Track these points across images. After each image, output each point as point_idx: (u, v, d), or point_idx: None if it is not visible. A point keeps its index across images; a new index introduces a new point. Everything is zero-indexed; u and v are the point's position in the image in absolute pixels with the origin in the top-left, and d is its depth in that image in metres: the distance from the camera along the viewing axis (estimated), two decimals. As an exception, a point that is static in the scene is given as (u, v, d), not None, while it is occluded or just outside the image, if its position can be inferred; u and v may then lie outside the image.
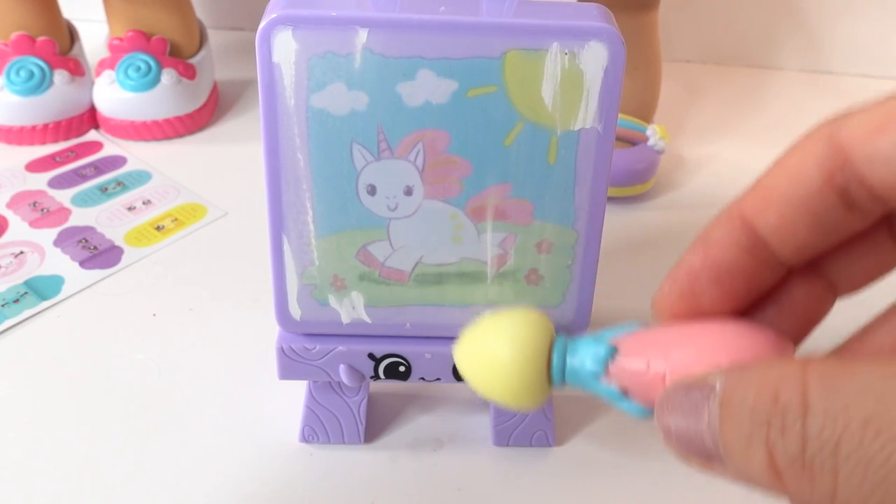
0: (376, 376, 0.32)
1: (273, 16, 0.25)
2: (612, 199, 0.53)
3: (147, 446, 0.35)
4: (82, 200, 0.52)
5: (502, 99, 0.26)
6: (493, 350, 0.22)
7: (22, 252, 0.47)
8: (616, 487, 0.34)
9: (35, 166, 0.55)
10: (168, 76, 0.58)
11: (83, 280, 0.44)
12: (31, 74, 0.57)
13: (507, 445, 0.35)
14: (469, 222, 0.29)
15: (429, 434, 0.36)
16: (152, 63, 0.58)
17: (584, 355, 0.21)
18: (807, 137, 0.17)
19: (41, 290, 0.43)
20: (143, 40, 0.59)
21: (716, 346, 0.18)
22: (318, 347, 0.31)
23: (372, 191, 0.28)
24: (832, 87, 0.73)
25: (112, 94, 0.58)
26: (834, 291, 0.20)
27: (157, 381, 0.38)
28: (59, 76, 0.57)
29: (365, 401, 0.34)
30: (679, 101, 0.68)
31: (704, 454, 0.16)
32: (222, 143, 0.60)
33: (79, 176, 0.54)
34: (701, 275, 0.19)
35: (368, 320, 0.31)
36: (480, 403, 0.37)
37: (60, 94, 0.58)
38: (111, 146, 0.58)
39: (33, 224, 0.49)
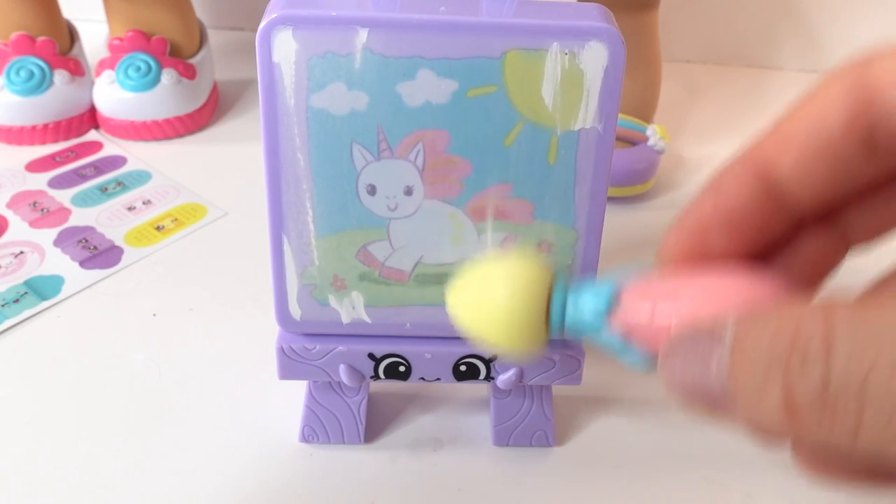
0: (376, 376, 0.32)
1: (273, 16, 0.25)
2: (612, 199, 0.53)
3: (147, 446, 0.35)
4: (82, 200, 0.52)
5: (502, 99, 0.26)
6: (490, 292, 0.21)
7: (22, 252, 0.47)
8: (616, 487, 0.34)
9: (35, 166, 0.55)
10: (168, 76, 0.58)
11: (83, 280, 0.44)
12: (31, 74, 0.57)
13: (507, 445, 0.35)
14: (469, 222, 0.29)
15: (429, 434, 0.36)
16: (152, 63, 0.58)
17: (586, 302, 0.20)
18: (829, 80, 0.17)
19: (41, 290, 0.43)
20: (143, 40, 0.59)
21: (725, 293, 0.17)
22: (318, 347, 0.31)
23: (372, 191, 0.28)
24: (832, 87, 0.73)
25: (112, 94, 0.58)
26: (846, 243, 0.19)
27: (157, 381, 0.38)
28: (59, 76, 0.57)
29: (365, 401, 0.34)
30: (679, 101, 0.68)
31: (710, 400, 0.16)
32: (222, 143, 0.60)
33: (79, 176, 0.54)
34: (712, 221, 0.18)
35: (368, 320, 0.31)
36: (480, 403, 0.37)
37: (60, 94, 0.58)
38: (111, 146, 0.58)
39: (33, 224, 0.49)
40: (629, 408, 0.38)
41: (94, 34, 0.65)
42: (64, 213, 0.50)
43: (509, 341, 0.21)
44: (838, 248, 0.19)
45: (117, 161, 0.56)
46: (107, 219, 0.50)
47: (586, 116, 0.27)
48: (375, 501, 0.33)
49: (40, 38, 0.58)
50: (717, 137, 0.63)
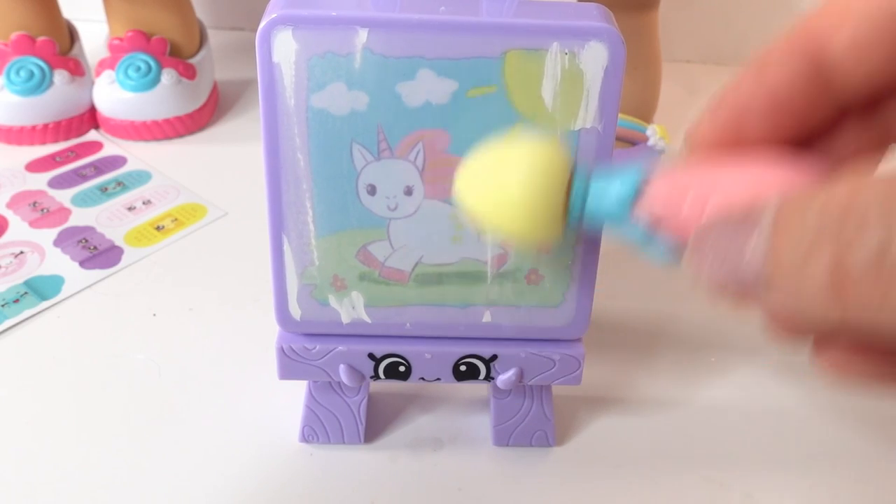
0: (376, 376, 0.32)
1: (273, 16, 0.25)
2: (612, 199, 0.53)
3: (147, 446, 0.35)
4: (82, 200, 0.52)
5: (502, 99, 0.26)
6: (505, 175, 0.19)
7: (22, 252, 0.47)
8: (616, 487, 0.34)
9: (35, 166, 0.55)
10: (168, 76, 0.58)
11: (83, 280, 0.44)
12: (31, 74, 0.57)
13: (507, 445, 0.35)
14: (469, 222, 0.29)
15: (429, 434, 0.36)
16: (152, 63, 0.58)
17: (611, 188, 0.18)
18: None
19: (41, 290, 0.44)
20: (143, 40, 0.59)
21: (763, 181, 0.16)
22: (318, 347, 0.31)
23: (372, 191, 0.28)
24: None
25: (112, 94, 0.58)
26: (888, 139, 0.18)
27: (157, 381, 0.38)
28: (59, 76, 0.57)
29: (365, 401, 0.34)
30: (679, 101, 0.68)
31: (742, 288, 0.15)
32: (222, 143, 0.60)
33: (79, 176, 0.54)
34: (752, 102, 0.17)
35: (368, 320, 0.31)
36: (480, 403, 0.37)
37: (60, 94, 0.58)
38: (111, 146, 0.58)
39: (33, 224, 0.49)
40: (629, 408, 0.38)
41: (94, 34, 0.65)
42: (64, 213, 0.50)
43: (523, 228, 0.19)
44: (880, 143, 0.18)
45: (117, 161, 0.56)
46: (107, 219, 0.50)
47: (586, 116, 0.27)
48: (375, 501, 0.33)
49: (40, 38, 0.58)
50: (717, 137, 0.63)
